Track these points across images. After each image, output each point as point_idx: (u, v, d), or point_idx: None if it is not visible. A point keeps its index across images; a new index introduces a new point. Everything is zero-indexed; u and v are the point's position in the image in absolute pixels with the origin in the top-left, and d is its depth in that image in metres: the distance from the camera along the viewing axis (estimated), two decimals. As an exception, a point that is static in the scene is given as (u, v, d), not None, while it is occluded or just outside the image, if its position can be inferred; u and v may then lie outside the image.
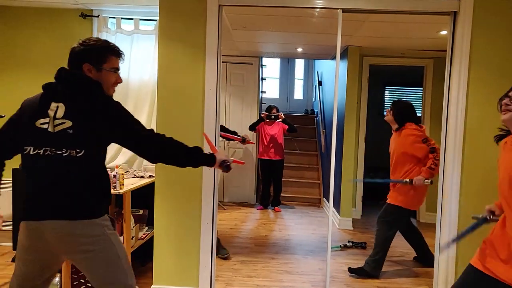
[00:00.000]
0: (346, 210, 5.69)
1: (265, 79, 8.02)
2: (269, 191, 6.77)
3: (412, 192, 3.80)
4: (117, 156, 4.29)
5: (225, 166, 2.20)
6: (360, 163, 6.17)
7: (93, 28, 4.44)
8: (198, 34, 3.24)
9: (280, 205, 6.76)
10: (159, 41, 3.31)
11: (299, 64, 10.54)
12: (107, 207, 2.00)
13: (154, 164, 3.33)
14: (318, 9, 3.49)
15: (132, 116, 1.97)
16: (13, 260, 4.00)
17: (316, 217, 6.30)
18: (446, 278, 3.24)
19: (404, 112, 3.91)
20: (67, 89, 1.90)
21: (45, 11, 4.42)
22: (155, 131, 2.01)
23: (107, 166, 2.42)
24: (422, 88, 6.22)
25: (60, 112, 1.86)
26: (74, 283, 3.22)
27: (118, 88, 4.50)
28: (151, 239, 3.45)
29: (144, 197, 3.75)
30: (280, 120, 6.55)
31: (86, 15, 4.39)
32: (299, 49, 6.30)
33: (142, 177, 3.81)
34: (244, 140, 5.88)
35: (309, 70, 10.39)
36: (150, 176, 3.81)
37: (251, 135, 6.91)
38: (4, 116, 3.82)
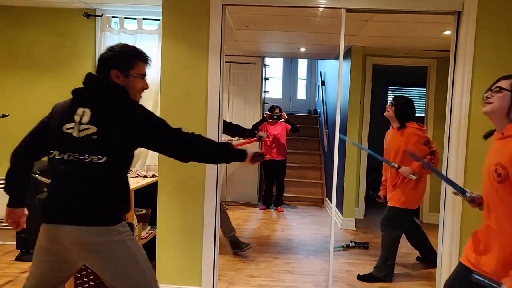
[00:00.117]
0: (349, 210, 5.69)
1: (268, 79, 8.02)
2: (272, 191, 6.77)
3: (412, 192, 3.78)
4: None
5: (259, 155, 2.17)
6: (363, 163, 6.17)
7: (97, 27, 4.45)
8: (201, 33, 3.24)
9: (282, 205, 6.76)
10: (162, 41, 3.32)
11: (302, 64, 10.54)
12: (126, 213, 1.99)
13: (157, 164, 3.33)
14: (321, 8, 3.49)
15: (159, 118, 1.97)
16: (16, 259, 4.02)
17: (318, 217, 6.30)
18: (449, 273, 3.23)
19: (406, 108, 3.83)
20: (93, 95, 1.91)
21: (49, 11, 4.44)
22: (182, 130, 2.00)
23: None
24: (425, 88, 6.20)
25: (86, 118, 1.86)
26: (77, 281, 3.23)
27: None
28: (154, 238, 3.46)
29: (147, 196, 3.75)
30: (283, 120, 6.55)
31: (90, 14, 4.40)
32: (302, 49, 6.30)
33: (145, 176, 3.82)
34: (260, 138, 5.83)
35: (312, 70, 10.39)
36: (153, 176, 3.82)
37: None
38: (8, 115, 3.84)
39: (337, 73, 3.53)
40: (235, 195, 7.14)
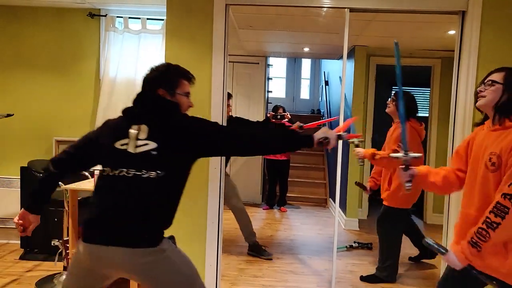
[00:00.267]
0: (352, 210, 5.68)
1: (271, 78, 8.01)
2: (275, 191, 6.77)
3: (413, 193, 3.76)
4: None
5: (319, 143, 1.99)
6: (367, 163, 6.14)
7: (101, 27, 4.46)
8: (205, 33, 3.24)
9: (286, 205, 6.75)
10: (166, 40, 3.33)
11: (306, 64, 10.53)
12: (167, 228, 1.96)
13: None
14: (325, 8, 3.49)
15: (212, 123, 1.99)
16: (20, 258, 4.03)
17: (322, 217, 6.29)
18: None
19: (408, 105, 3.79)
20: (148, 112, 1.91)
21: (53, 10, 4.45)
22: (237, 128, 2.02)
23: None
24: (429, 88, 6.18)
25: (143, 134, 1.85)
26: (81, 281, 3.24)
27: (125, 88, 4.54)
28: (157, 238, 3.46)
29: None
30: (286, 120, 6.53)
31: (94, 14, 4.41)
32: (306, 49, 6.29)
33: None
34: (301, 128, 5.52)
35: (315, 70, 10.38)
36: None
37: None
38: (12, 114, 3.86)
39: (340, 73, 3.53)
40: (239, 195, 7.13)
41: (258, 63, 7.06)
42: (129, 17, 4.42)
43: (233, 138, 1.94)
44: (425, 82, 6.45)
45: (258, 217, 6.14)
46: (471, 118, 3.13)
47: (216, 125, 1.99)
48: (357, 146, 3.69)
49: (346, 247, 4.77)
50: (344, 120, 3.62)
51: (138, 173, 1.81)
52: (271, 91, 8.02)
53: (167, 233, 1.92)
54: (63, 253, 3.42)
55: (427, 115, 6.22)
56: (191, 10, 3.24)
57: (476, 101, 2.03)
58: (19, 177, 4.17)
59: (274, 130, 2.07)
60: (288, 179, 6.80)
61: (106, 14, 4.42)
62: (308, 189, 7.42)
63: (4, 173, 4.46)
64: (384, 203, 3.84)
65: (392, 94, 4.02)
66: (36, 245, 4.08)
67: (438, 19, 3.96)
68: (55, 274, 3.61)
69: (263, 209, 6.66)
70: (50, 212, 3.89)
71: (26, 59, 4.50)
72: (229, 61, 3.42)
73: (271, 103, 7.74)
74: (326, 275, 3.94)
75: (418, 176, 2.08)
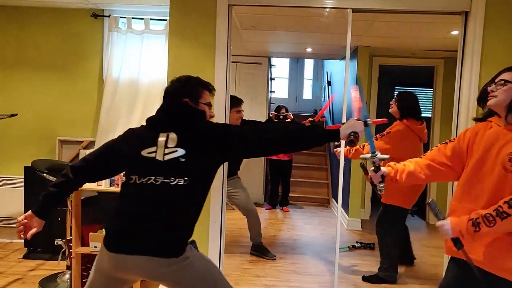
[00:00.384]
0: (355, 210, 5.67)
1: (274, 79, 8.01)
2: (278, 191, 6.77)
3: (407, 190, 3.74)
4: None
5: (349, 142, 1.89)
6: (369, 163, 6.14)
7: (104, 28, 4.48)
8: (208, 34, 3.25)
9: (288, 205, 6.75)
10: (169, 41, 3.34)
11: (309, 64, 10.52)
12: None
13: None
14: (328, 9, 3.49)
15: (236, 126, 2.06)
16: (24, 257, 4.05)
17: (324, 218, 6.28)
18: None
19: (411, 105, 3.78)
20: (176, 119, 1.93)
21: (56, 11, 4.47)
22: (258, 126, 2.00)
23: None
24: (432, 89, 6.17)
25: (172, 141, 1.86)
26: (84, 280, 3.25)
27: (128, 88, 4.55)
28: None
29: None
30: (288, 120, 6.54)
31: (98, 15, 4.43)
32: (309, 49, 6.29)
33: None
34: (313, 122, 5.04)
35: (318, 70, 10.37)
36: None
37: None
38: (16, 114, 3.88)
39: (343, 74, 3.53)
40: (241, 195, 7.13)
41: (261, 64, 7.07)
42: (132, 18, 4.44)
43: (261, 137, 1.93)
44: (428, 82, 6.44)
45: (261, 217, 6.07)
46: (474, 119, 3.13)
47: (245, 129, 2.02)
48: (337, 146, 3.70)
49: (348, 247, 4.77)
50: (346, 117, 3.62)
51: (166, 180, 1.82)
52: (273, 91, 8.02)
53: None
54: (66, 252, 3.44)
55: (429, 115, 6.21)
56: (194, 10, 3.25)
57: (480, 100, 2.01)
58: (23, 177, 4.18)
59: (299, 129, 2.02)
60: (291, 179, 6.80)
61: (110, 15, 4.43)
62: (310, 189, 7.42)
63: (7, 173, 4.48)
64: (382, 200, 3.82)
65: (395, 94, 4.00)
66: (40, 245, 4.09)
67: (441, 20, 3.95)
68: (58, 273, 3.62)
69: (266, 209, 6.67)
70: (54, 211, 3.90)
71: (30, 59, 4.52)
72: (232, 62, 3.43)
73: (273, 103, 7.74)
74: (329, 275, 3.94)
75: (390, 176, 2.08)
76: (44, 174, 3.49)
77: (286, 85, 10.41)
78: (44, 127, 4.52)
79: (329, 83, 8.23)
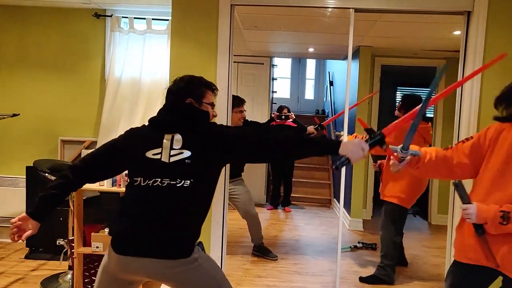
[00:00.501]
0: (357, 211, 5.67)
1: (276, 79, 8.01)
2: (279, 191, 6.77)
3: (408, 189, 3.75)
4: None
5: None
6: (371, 165, 6.13)
7: (106, 27, 4.48)
8: (210, 33, 3.25)
9: (290, 205, 6.75)
10: (171, 41, 3.34)
11: (310, 64, 10.51)
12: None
13: None
14: (330, 8, 3.49)
15: (238, 129, 2.06)
16: (25, 257, 4.05)
17: (326, 218, 6.28)
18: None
19: (414, 106, 3.80)
20: (180, 120, 1.91)
21: (59, 10, 4.47)
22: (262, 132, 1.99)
23: None
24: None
25: (177, 143, 1.85)
26: (86, 280, 3.25)
27: (130, 88, 4.55)
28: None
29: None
30: (290, 120, 6.53)
31: (100, 14, 4.43)
32: (311, 49, 6.29)
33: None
34: (321, 126, 4.78)
35: (320, 70, 10.37)
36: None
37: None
38: (18, 114, 3.88)
39: (345, 73, 3.52)
40: (243, 195, 7.13)
41: (263, 64, 7.06)
42: (135, 18, 4.44)
43: (262, 143, 1.91)
44: (430, 82, 6.42)
45: (263, 218, 6.13)
46: (476, 119, 3.12)
47: (247, 130, 2.07)
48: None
49: (350, 247, 4.76)
50: (349, 122, 3.62)
51: (172, 182, 1.81)
52: (275, 92, 8.01)
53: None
54: (68, 253, 3.44)
55: (431, 115, 6.19)
56: (196, 10, 3.25)
57: (503, 100, 1.99)
58: (25, 177, 4.19)
59: (301, 139, 1.99)
60: (293, 180, 6.80)
61: (112, 15, 4.43)
62: (312, 189, 7.41)
63: (9, 173, 4.49)
64: (385, 198, 3.84)
65: (400, 98, 4.03)
66: (41, 245, 4.10)
67: (443, 19, 3.94)
68: (60, 273, 3.63)
69: (267, 209, 6.66)
70: (55, 211, 3.90)
71: (32, 59, 4.52)
72: (234, 62, 3.43)
73: (275, 103, 7.74)
74: (330, 275, 3.93)
75: (421, 160, 2.05)
76: (46, 174, 3.49)
77: (288, 85, 10.40)
78: (46, 127, 4.52)
79: (331, 83, 8.22)
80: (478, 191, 1.97)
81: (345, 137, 3.65)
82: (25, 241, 4.14)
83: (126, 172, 2.07)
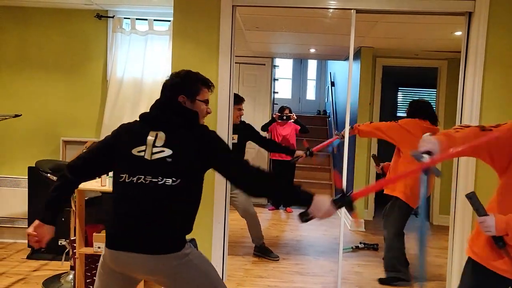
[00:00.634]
0: (358, 211, 5.66)
1: (277, 79, 8.02)
2: (281, 191, 6.75)
3: (416, 189, 3.77)
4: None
5: (303, 217, 1.89)
6: (373, 165, 6.13)
7: (108, 28, 4.49)
8: (212, 34, 3.26)
9: (291, 206, 6.74)
10: (173, 42, 3.34)
11: (312, 65, 10.52)
12: (189, 233, 1.97)
13: None
14: (331, 9, 3.49)
15: (227, 145, 2.00)
16: (27, 257, 4.06)
17: (327, 218, 6.27)
18: (459, 281, 3.20)
19: (419, 107, 3.89)
20: (167, 118, 1.92)
21: (60, 11, 4.48)
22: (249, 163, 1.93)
23: None
24: (435, 90, 6.16)
25: (160, 141, 1.86)
26: (87, 280, 3.26)
27: (132, 88, 4.55)
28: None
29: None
30: (292, 120, 6.55)
31: (102, 15, 4.43)
32: (312, 50, 6.29)
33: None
34: (310, 151, 4.61)
35: (321, 71, 10.37)
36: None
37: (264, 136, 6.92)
38: (20, 115, 3.89)
39: (346, 74, 3.53)
40: (244, 196, 7.13)
41: (264, 64, 7.07)
42: (136, 18, 4.45)
43: (241, 169, 1.90)
44: (432, 83, 6.43)
45: (264, 218, 6.14)
46: (477, 121, 3.12)
47: (230, 150, 2.00)
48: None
49: (352, 248, 4.76)
50: (350, 123, 3.63)
51: (154, 180, 1.82)
52: (277, 92, 8.02)
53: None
54: (70, 253, 3.44)
55: (433, 116, 6.18)
56: (198, 11, 3.26)
57: None
58: (27, 177, 4.20)
59: (279, 182, 1.99)
60: (294, 180, 6.79)
61: (114, 16, 4.44)
62: (313, 190, 7.30)
63: (11, 173, 4.50)
64: (391, 193, 3.85)
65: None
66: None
67: (444, 20, 3.94)
68: (62, 273, 3.63)
69: (269, 209, 6.66)
70: (60, 214, 3.91)
71: (34, 60, 4.53)
72: (235, 62, 3.44)
73: (277, 104, 7.76)
74: (332, 276, 3.93)
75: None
76: (48, 174, 3.50)
77: (290, 86, 10.41)
78: (48, 128, 4.53)
79: (332, 84, 8.23)
80: (500, 202, 1.87)
81: (346, 134, 3.66)
82: (27, 241, 4.17)
83: None
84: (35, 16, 4.49)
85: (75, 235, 3.22)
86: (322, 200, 1.89)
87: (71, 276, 3.49)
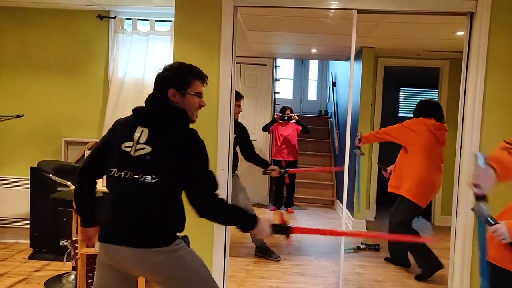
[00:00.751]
0: (360, 212, 5.65)
1: (279, 80, 8.02)
2: (282, 192, 6.76)
3: (424, 189, 3.80)
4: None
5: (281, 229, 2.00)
6: (374, 164, 6.13)
7: (110, 29, 4.50)
8: (213, 35, 3.25)
9: (293, 206, 6.75)
10: (174, 42, 3.34)
11: (313, 65, 10.51)
12: (180, 232, 1.97)
13: None
14: (332, 10, 3.48)
15: (207, 161, 1.92)
16: (29, 258, 4.07)
17: (329, 219, 6.28)
18: (461, 282, 3.20)
19: (423, 107, 4.05)
20: (152, 115, 1.92)
21: (62, 12, 4.49)
22: (219, 196, 1.92)
23: None
24: (437, 90, 6.15)
25: (143, 137, 1.86)
26: (89, 280, 3.26)
27: (133, 89, 4.56)
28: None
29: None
30: (293, 121, 6.55)
31: (103, 16, 4.44)
32: (313, 50, 6.29)
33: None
34: (286, 172, 4.69)
35: (323, 71, 10.36)
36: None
37: (264, 136, 6.92)
38: (22, 115, 3.89)
39: (348, 74, 3.52)
40: (246, 196, 7.13)
41: (266, 65, 7.07)
42: (138, 19, 4.45)
43: (203, 191, 1.88)
44: (433, 83, 6.42)
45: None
46: (479, 121, 3.11)
47: (207, 166, 1.92)
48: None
49: (353, 248, 4.76)
50: (352, 123, 3.62)
51: (136, 176, 1.84)
52: (278, 92, 8.02)
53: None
54: (72, 253, 3.45)
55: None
56: (199, 11, 3.26)
57: None
58: (29, 178, 4.21)
59: (236, 212, 2.08)
60: (295, 180, 6.79)
61: (115, 16, 4.45)
62: (315, 190, 7.41)
63: (13, 173, 4.50)
64: (396, 191, 3.94)
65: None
66: (45, 245, 4.11)
67: (446, 20, 3.94)
68: (63, 274, 3.64)
69: (270, 210, 6.66)
70: (59, 212, 3.92)
71: (36, 61, 4.54)
72: (237, 63, 3.43)
73: (278, 104, 7.75)
74: (333, 276, 3.93)
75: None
76: (50, 175, 3.51)
77: (291, 86, 10.40)
78: (50, 128, 4.54)
79: (334, 84, 8.22)
80: None
81: (347, 140, 3.65)
82: (28, 242, 4.17)
83: None
84: (36, 17, 4.49)
85: (76, 236, 3.23)
86: (266, 222, 1.99)
87: (72, 277, 3.49)
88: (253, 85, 7.08)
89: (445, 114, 5.92)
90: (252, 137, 5.93)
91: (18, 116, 3.79)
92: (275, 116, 6.61)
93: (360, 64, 5.63)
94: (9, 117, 3.77)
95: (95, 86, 4.56)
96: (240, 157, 4.43)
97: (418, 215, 6.26)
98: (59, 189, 3.87)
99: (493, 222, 1.79)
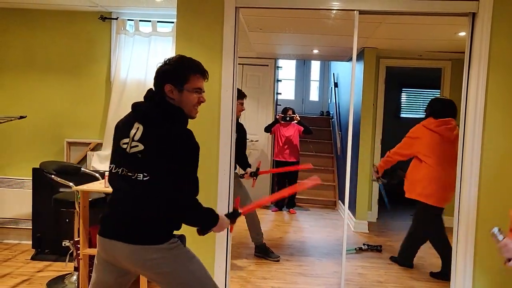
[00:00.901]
0: (362, 213, 5.65)
1: (280, 80, 8.01)
2: (284, 192, 6.75)
3: (430, 185, 3.82)
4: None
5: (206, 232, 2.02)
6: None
7: (112, 30, 4.51)
8: (215, 36, 3.26)
9: (295, 207, 6.74)
10: (176, 43, 3.35)
11: (315, 66, 10.50)
12: (176, 230, 1.96)
13: None
14: (334, 10, 3.48)
15: (194, 164, 1.87)
16: (32, 258, 4.08)
17: (331, 220, 6.27)
18: (463, 282, 3.20)
19: (431, 107, 4.05)
20: (146, 112, 1.90)
21: (65, 13, 4.50)
22: (197, 202, 1.89)
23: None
24: (439, 90, 6.14)
25: (138, 134, 1.86)
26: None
27: (135, 90, 4.56)
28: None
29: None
30: (295, 121, 6.55)
31: (105, 17, 4.45)
32: (315, 51, 6.29)
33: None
34: (257, 171, 4.63)
35: (325, 72, 10.35)
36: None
37: (266, 137, 6.92)
38: (25, 116, 3.91)
39: (350, 75, 3.53)
40: (248, 197, 7.13)
41: (268, 65, 7.07)
42: (140, 20, 4.46)
43: (177, 191, 1.82)
44: (435, 84, 6.41)
45: (267, 219, 6.14)
46: (481, 121, 3.11)
47: (193, 179, 1.88)
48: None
49: (355, 249, 4.75)
50: (353, 124, 3.62)
51: (129, 173, 1.85)
52: (280, 93, 8.02)
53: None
54: (74, 254, 3.46)
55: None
56: (201, 12, 3.26)
57: None
58: (31, 178, 4.22)
59: (205, 213, 2.02)
60: (297, 181, 6.78)
61: (117, 17, 4.46)
62: (317, 191, 7.40)
63: (16, 174, 4.52)
64: (410, 196, 3.96)
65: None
66: (47, 246, 4.12)
67: (448, 21, 3.93)
68: (66, 274, 3.64)
69: (272, 211, 6.66)
70: (61, 213, 3.93)
71: (38, 62, 4.55)
72: (239, 63, 3.44)
73: (280, 105, 7.75)
74: (335, 277, 3.93)
75: None
76: (52, 176, 3.52)
77: (293, 87, 10.40)
78: (52, 129, 4.55)
79: (336, 85, 8.22)
80: None
81: (349, 146, 3.63)
82: (31, 242, 4.18)
83: None
84: (40, 18, 4.51)
85: (79, 236, 3.23)
86: (223, 220, 2.07)
87: (75, 277, 3.50)
88: (255, 85, 7.08)
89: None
90: (254, 138, 5.97)
91: (21, 117, 3.80)
92: (277, 117, 6.61)
93: (362, 65, 5.63)
94: (12, 118, 3.78)
95: (97, 87, 4.57)
96: None
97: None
98: (61, 190, 3.88)
99: (500, 239, 1.79)
